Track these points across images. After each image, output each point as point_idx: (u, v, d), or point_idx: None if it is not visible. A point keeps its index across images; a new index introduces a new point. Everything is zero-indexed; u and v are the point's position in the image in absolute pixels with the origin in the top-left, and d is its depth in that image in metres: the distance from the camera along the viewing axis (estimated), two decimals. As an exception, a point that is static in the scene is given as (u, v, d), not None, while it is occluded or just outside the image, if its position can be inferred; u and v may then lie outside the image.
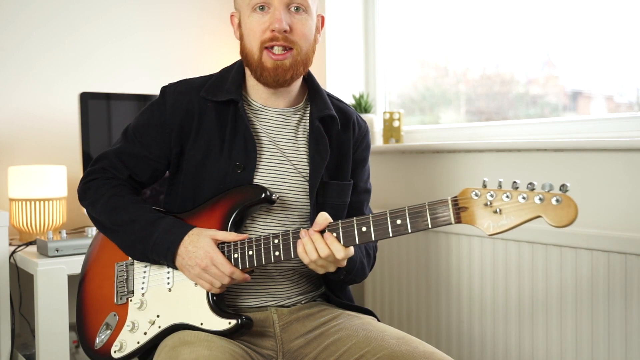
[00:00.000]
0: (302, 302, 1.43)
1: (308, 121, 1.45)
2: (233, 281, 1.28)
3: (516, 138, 2.09)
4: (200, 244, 1.27)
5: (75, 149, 2.32)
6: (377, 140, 2.54)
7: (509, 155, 1.96)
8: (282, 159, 1.40)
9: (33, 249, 2.08)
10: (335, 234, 1.22)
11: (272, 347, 1.35)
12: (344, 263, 1.26)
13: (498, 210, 1.09)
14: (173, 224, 1.32)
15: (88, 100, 2.22)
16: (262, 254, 1.26)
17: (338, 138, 1.46)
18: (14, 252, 2.06)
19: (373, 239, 1.19)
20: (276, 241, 1.26)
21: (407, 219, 1.16)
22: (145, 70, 2.63)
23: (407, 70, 2.67)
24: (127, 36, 2.61)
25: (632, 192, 1.69)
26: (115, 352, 1.33)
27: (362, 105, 2.52)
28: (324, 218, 1.23)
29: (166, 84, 1.45)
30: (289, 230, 1.27)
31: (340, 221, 1.22)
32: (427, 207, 1.15)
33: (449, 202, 1.13)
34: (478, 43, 2.37)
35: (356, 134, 1.50)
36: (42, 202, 2.18)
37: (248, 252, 1.27)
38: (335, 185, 1.44)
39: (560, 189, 1.06)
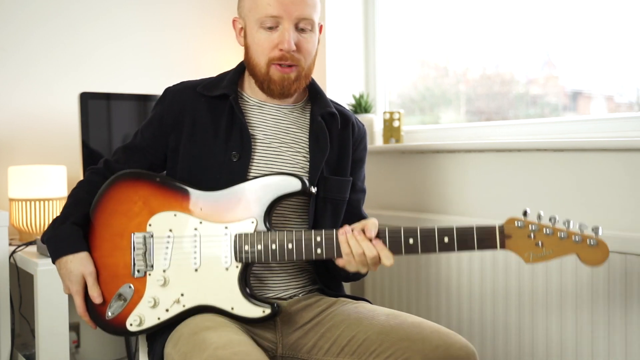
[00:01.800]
0: (300, 295, 1.45)
1: (308, 118, 1.49)
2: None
3: (516, 138, 2.09)
4: (76, 270, 1.36)
5: (75, 149, 2.32)
6: (377, 140, 2.53)
7: (509, 155, 1.96)
8: (278, 150, 1.43)
9: (33, 249, 2.08)
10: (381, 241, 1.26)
11: (272, 339, 1.37)
12: (376, 268, 1.30)
13: (540, 243, 1.22)
14: (69, 236, 1.39)
15: (88, 100, 2.21)
16: (303, 249, 1.28)
17: (338, 135, 1.49)
18: (14, 252, 2.06)
19: (419, 252, 1.25)
20: (318, 239, 1.28)
21: (455, 238, 1.24)
22: (145, 70, 2.63)
23: (407, 70, 2.67)
24: (127, 36, 2.61)
25: (632, 192, 1.69)
26: (131, 325, 1.32)
27: (362, 105, 2.51)
28: (374, 225, 1.27)
29: (169, 85, 1.52)
30: (332, 230, 1.29)
31: (387, 228, 1.26)
32: (474, 230, 1.23)
33: (497, 229, 1.23)
34: (478, 43, 2.37)
35: (355, 134, 1.54)
36: (42, 202, 2.18)
37: (288, 245, 1.29)
38: (336, 180, 1.46)
39: (592, 231, 1.20)
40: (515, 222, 1.23)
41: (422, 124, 2.58)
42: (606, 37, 1.96)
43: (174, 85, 1.50)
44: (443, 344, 1.25)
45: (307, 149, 1.45)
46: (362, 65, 2.72)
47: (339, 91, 2.62)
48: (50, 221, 1.46)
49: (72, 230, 1.39)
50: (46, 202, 2.19)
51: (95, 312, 1.37)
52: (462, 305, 2.04)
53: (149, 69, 2.64)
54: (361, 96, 2.52)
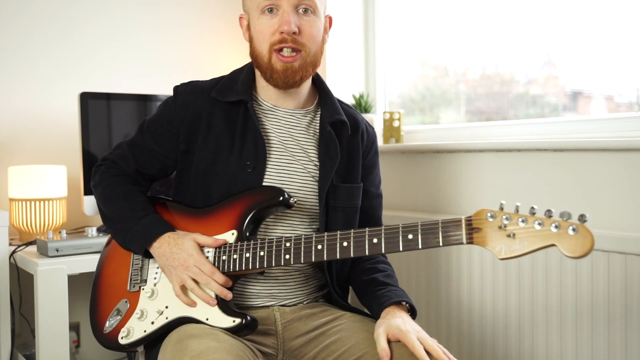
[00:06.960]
0: (304, 302, 1.44)
1: (319, 125, 1.46)
2: (217, 286, 1.28)
3: (516, 138, 2.09)
4: (184, 246, 1.30)
5: (75, 149, 2.32)
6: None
7: (509, 155, 1.96)
8: (291, 159, 1.41)
9: (33, 249, 2.08)
10: (345, 243, 1.21)
11: (274, 345, 1.36)
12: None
13: (512, 234, 1.07)
14: (152, 223, 1.36)
15: (88, 100, 2.21)
16: (273, 256, 1.27)
17: (348, 142, 1.47)
18: (14, 252, 2.06)
19: (383, 251, 1.19)
20: (288, 244, 1.27)
21: (419, 234, 1.15)
22: (145, 70, 2.63)
23: (407, 70, 2.67)
24: (127, 36, 2.60)
25: (632, 192, 1.69)
26: (122, 338, 1.34)
27: (362, 105, 2.51)
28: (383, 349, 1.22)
29: (173, 84, 1.49)
30: (301, 235, 1.27)
31: (352, 230, 1.23)
32: (440, 225, 1.14)
33: (463, 222, 1.12)
34: (478, 43, 2.37)
35: (365, 141, 1.52)
36: (42, 202, 2.18)
37: (260, 252, 1.28)
38: (346, 188, 1.45)
39: (578, 219, 1.03)
40: (487, 213, 1.09)
41: (422, 124, 2.58)
42: (606, 37, 1.96)
43: (184, 85, 1.47)
44: None
45: (317, 158, 1.43)
46: (362, 65, 2.72)
47: (339, 91, 2.62)
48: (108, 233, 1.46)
49: (156, 217, 1.38)
50: (46, 202, 2.19)
51: (96, 326, 1.41)
52: (462, 311, 2.04)
53: (149, 69, 2.64)
54: (361, 96, 2.53)
